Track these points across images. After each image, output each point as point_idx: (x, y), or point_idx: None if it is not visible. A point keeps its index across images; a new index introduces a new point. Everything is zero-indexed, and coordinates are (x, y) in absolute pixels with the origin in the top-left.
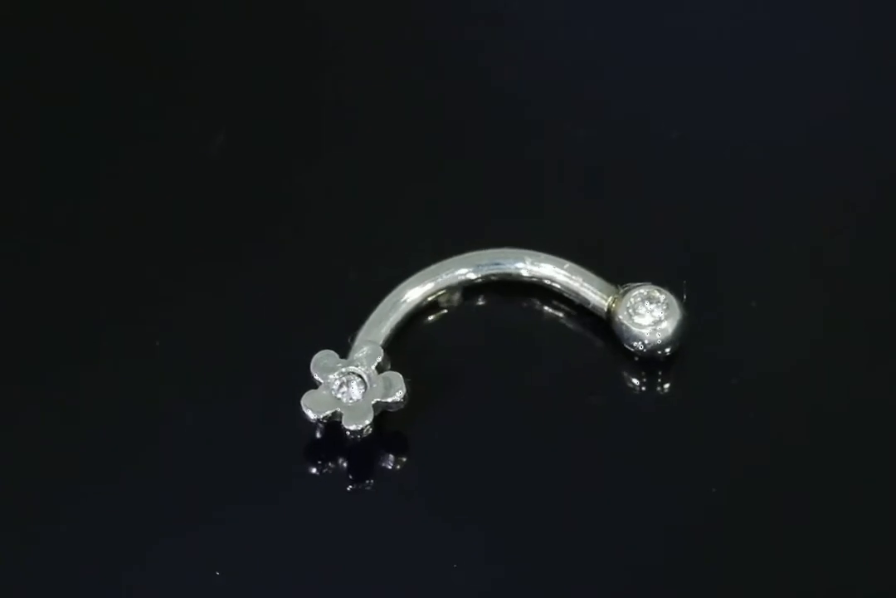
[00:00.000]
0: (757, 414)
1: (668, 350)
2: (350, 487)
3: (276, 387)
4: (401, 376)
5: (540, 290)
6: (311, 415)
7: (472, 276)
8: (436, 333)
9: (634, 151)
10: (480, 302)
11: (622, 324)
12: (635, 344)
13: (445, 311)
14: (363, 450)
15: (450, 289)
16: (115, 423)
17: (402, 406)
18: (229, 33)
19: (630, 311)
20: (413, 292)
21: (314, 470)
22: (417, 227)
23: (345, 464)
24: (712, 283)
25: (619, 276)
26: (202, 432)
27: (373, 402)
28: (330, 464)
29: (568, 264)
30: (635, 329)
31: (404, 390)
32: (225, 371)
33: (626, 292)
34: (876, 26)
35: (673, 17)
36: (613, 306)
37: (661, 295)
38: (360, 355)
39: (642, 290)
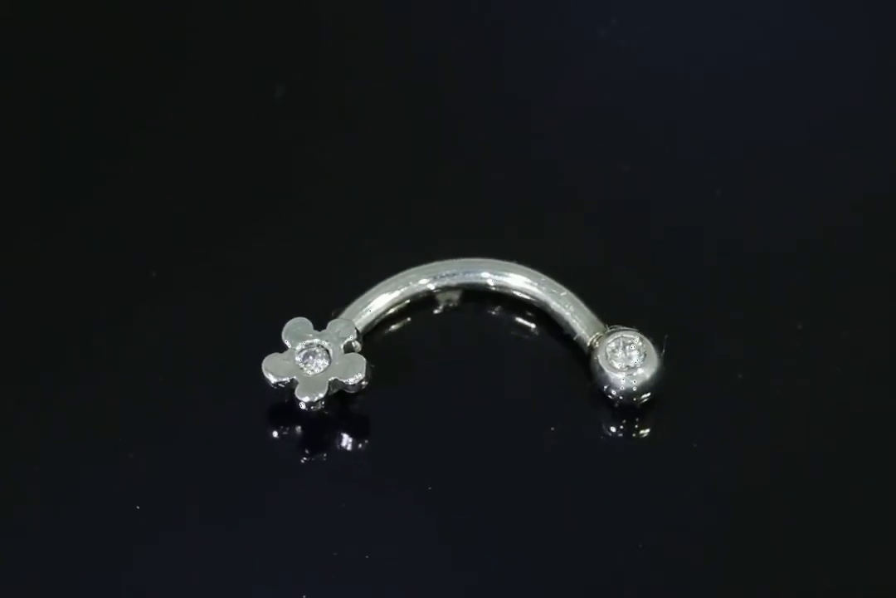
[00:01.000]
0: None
1: (641, 398)
2: (304, 459)
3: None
4: (365, 360)
5: (536, 309)
6: (272, 379)
7: (469, 281)
8: (421, 331)
9: (632, 152)
10: (474, 309)
11: (596, 364)
12: (605, 388)
13: (443, 308)
14: (321, 427)
15: (449, 289)
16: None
17: (359, 389)
18: (229, 33)
19: (607, 354)
20: (418, 284)
21: (271, 443)
22: (418, 229)
23: (301, 438)
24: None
25: (607, 296)
26: (190, 413)
27: (330, 379)
28: (287, 437)
29: (565, 293)
30: (608, 372)
31: (363, 374)
32: (216, 348)
33: (609, 334)
34: (876, 26)
35: (673, 17)
36: (596, 344)
37: (642, 343)
38: (333, 330)
39: (626, 335)
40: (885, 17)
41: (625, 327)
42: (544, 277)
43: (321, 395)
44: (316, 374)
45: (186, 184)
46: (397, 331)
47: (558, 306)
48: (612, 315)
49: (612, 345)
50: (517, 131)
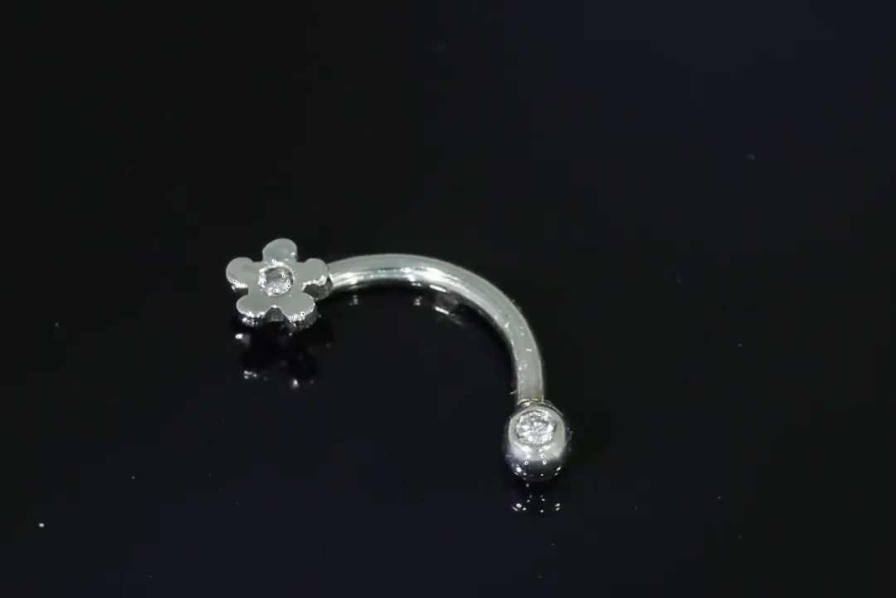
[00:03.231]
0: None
1: (542, 473)
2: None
3: None
4: (314, 304)
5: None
6: (237, 284)
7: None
8: (395, 319)
9: (632, 152)
10: (448, 317)
11: (507, 422)
12: (502, 447)
13: (443, 311)
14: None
15: (448, 294)
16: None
17: (298, 330)
18: (229, 33)
19: (520, 420)
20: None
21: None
22: (418, 229)
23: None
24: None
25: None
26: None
27: (274, 306)
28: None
29: (531, 349)
30: (508, 436)
31: (303, 317)
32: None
33: (539, 405)
34: (876, 26)
35: (673, 17)
36: (525, 406)
37: (554, 429)
38: (310, 266)
39: (549, 414)
40: (885, 17)
41: (554, 409)
42: (524, 326)
43: (260, 314)
44: (266, 296)
45: (186, 184)
46: (368, 308)
47: (517, 357)
48: (591, 323)
49: (532, 415)
50: (517, 131)
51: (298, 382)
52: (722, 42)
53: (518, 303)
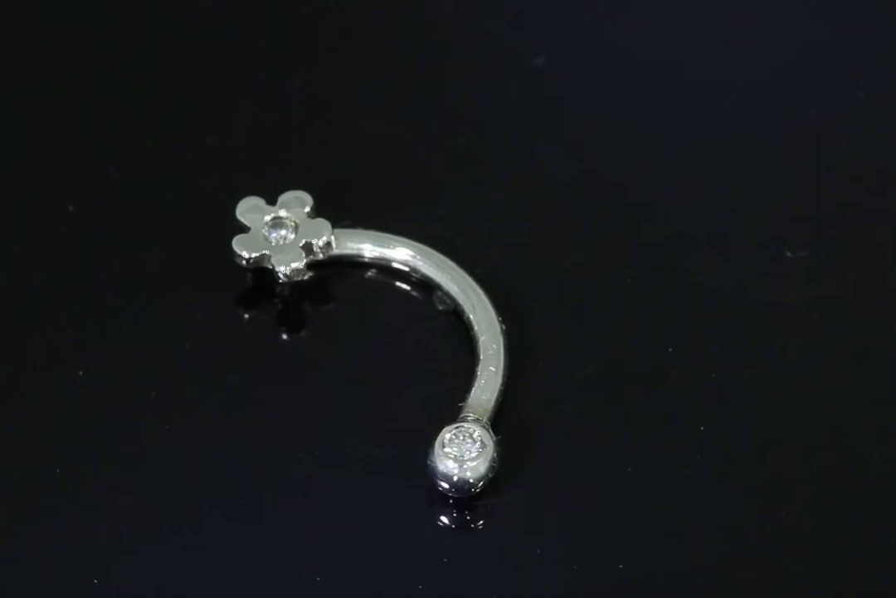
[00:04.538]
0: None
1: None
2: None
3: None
4: (304, 261)
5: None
6: (245, 222)
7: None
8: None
9: (632, 153)
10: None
11: (440, 430)
12: (427, 452)
13: (440, 307)
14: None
15: (445, 294)
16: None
17: (281, 279)
18: (229, 33)
19: (453, 432)
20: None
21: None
22: (419, 229)
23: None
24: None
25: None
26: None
27: (265, 251)
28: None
29: (495, 368)
30: (435, 444)
31: (290, 270)
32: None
33: (477, 424)
34: (877, 26)
35: (671, 17)
36: (465, 420)
37: (481, 451)
38: (314, 224)
39: (483, 436)
40: (886, 17)
41: (490, 433)
42: (498, 344)
43: (252, 255)
44: (264, 240)
45: (186, 184)
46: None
47: (480, 371)
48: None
49: (465, 432)
50: (517, 131)
51: (293, 379)
52: (722, 42)
53: (504, 321)
